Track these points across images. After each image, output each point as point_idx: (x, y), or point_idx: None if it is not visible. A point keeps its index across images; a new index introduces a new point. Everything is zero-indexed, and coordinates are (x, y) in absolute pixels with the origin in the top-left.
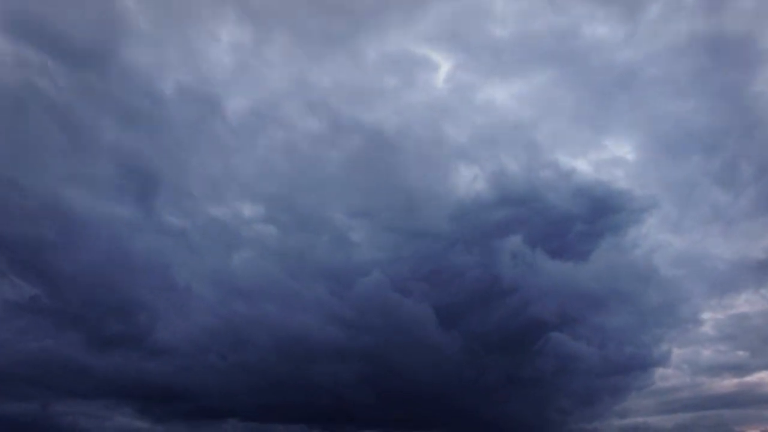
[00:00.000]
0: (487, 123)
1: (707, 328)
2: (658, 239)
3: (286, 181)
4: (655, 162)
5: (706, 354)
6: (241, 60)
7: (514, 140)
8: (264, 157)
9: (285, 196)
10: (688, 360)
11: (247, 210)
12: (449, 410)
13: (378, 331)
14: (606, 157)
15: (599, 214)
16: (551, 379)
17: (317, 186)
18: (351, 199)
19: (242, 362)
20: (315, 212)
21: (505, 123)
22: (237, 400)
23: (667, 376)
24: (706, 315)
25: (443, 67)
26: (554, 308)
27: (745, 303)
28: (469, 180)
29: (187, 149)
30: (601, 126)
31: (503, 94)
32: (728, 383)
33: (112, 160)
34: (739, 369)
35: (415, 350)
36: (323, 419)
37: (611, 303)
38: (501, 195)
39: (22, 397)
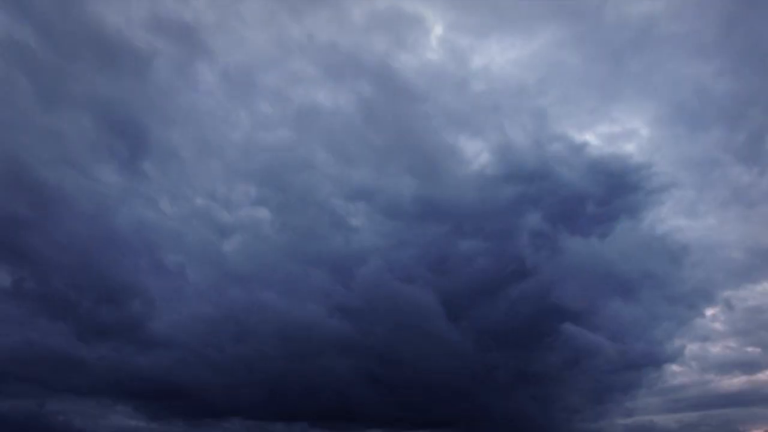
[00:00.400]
0: (487, 90)
1: (718, 324)
2: (672, 224)
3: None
4: (671, 136)
5: (716, 350)
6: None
7: (517, 109)
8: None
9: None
10: (696, 356)
11: (235, 194)
12: (453, 408)
13: (380, 323)
14: (616, 130)
15: (615, 193)
16: (562, 375)
17: (309, 163)
18: (347, 179)
19: (241, 355)
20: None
21: (506, 90)
22: (237, 397)
23: (674, 374)
24: (718, 308)
25: (436, 27)
26: (567, 295)
27: (761, 295)
28: (472, 154)
29: (167, 112)
30: (611, 93)
31: (503, 58)
32: (737, 381)
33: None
34: (750, 366)
35: (421, 344)
36: (326, 418)
37: (624, 293)
38: (508, 171)
39: (12, 394)
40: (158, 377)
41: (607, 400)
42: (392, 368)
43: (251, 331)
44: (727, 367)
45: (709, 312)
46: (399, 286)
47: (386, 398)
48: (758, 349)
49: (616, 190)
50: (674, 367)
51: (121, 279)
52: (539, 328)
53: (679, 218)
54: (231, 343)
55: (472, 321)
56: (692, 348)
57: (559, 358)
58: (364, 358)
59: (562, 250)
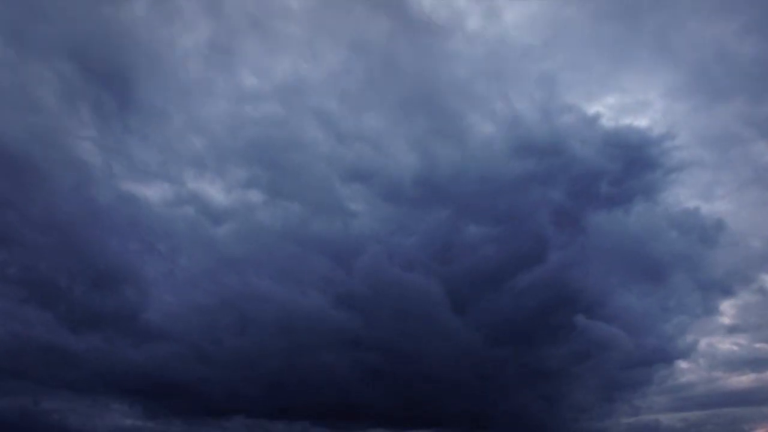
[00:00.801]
0: (489, 54)
1: (726, 318)
2: (686, 207)
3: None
4: (687, 108)
5: (724, 347)
6: None
7: (522, 76)
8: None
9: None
10: (704, 353)
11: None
12: (458, 406)
13: (382, 314)
14: (627, 101)
15: (631, 172)
16: (571, 371)
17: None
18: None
19: (239, 348)
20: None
21: (510, 54)
22: (236, 393)
23: (682, 371)
24: (730, 301)
25: None
26: (578, 284)
27: None
28: (476, 126)
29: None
30: (623, 58)
31: (504, 17)
32: (746, 378)
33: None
34: (759, 363)
35: (424, 338)
36: (328, 416)
37: (638, 283)
38: (517, 145)
39: (5, 391)
40: (154, 372)
41: (616, 398)
42: (394, 363)
43: (249, 322)
44: (736, 364)
45: (722, 305)
46: (401, 276)
47: (388, 395)
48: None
49: (632, 168)
50: (682, 364)
51: (111, 264)
52: (549, 320)
53: (693, 201)
54: (229, 336)
55: (478, 313)
56: (702, 343)
57: (569, 353)
58: (364, 351)
59: (574, 235)
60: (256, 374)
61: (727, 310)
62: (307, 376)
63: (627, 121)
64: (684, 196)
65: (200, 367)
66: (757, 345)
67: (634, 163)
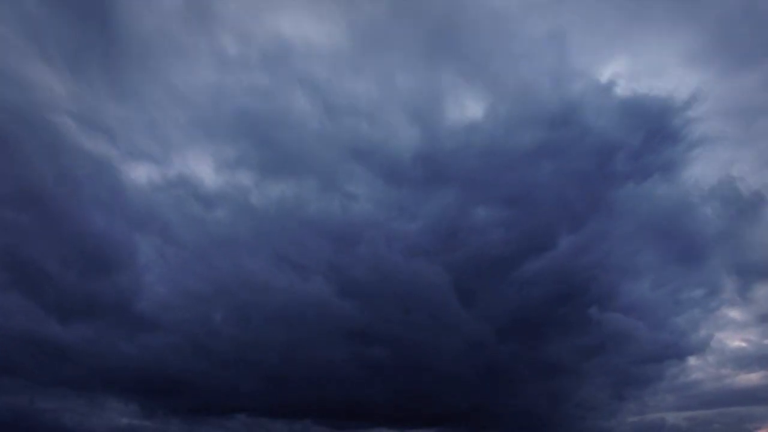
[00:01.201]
0: (488, 11)
1: (736, 313)
2: (703, 186)
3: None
4: (707, 76)
5: (733, 343)
6: None
7: (527, 35)
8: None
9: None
10: (713, 350)
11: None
12: (463, 403)
13: (383, 304)
14: (640, 67)
15: (648, 147)
16: (581, 368)
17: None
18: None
19: (236, 339)
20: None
21: (508, 8)
22: (236, 390)
23: (690, 368)
24: (740, 296)
25: None
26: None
27: None
28: (477, 94)
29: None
30: (635, 15)
31: None
32: (755, 376)
33: None
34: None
35: (428, 330)
36: (330, 415)
37: (647, 274)
38: (524, 115)
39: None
40: (150, 367)
41: (626, 395)
42: (397, 356)
43: (247, 311)
44: (744, 361)
45: (728, 298)
46: (405, 263)
47: (391, 391)
48: None
49: (649, 141)
50: (692, 361)
51: (100, 248)
52: (560, 311)
53: (714, 178)
54: (226, 326)
55: (485, 304)
56: (714, 339)
57: (581, 347)
58: (366, 344)
59: (590, 215)
60: (256, 368)
61: (738, 304)
62: (308, 370)
63: (640, 89)
64: (705, 172)
65: (197, 360)
66: (766, 341)
67: (653, 133)
